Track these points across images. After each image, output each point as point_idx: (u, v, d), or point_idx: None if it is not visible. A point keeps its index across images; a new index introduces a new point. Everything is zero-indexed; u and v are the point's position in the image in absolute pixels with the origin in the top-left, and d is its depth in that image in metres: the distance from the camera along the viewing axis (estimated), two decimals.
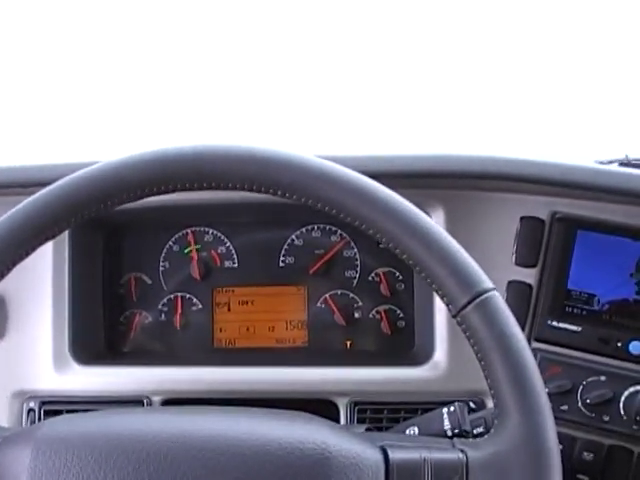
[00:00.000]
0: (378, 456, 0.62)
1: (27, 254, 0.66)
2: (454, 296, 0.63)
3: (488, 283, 0.63)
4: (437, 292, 0.65)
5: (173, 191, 0.67)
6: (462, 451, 0.62)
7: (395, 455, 0.62)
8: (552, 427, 0.60)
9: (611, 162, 1.00)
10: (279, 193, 0.66)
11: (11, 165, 1.01)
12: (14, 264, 0.66)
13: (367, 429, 0.84)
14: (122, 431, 0.63)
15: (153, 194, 0.66)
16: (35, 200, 0.66)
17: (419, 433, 0.77)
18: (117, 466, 0.60)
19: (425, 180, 0.96)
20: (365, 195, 0.65)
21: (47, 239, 0.67)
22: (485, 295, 0.63)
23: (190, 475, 0.60)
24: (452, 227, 0.96)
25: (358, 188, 0.65)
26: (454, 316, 0.64)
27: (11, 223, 0.65)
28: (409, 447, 0.63)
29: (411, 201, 0.66)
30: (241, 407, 0.69)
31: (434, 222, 0.65)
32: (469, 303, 0.62)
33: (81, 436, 0.63)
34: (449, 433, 0.76)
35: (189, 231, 1.12)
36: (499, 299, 0.63)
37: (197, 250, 1.12)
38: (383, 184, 0.66)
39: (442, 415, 0.77)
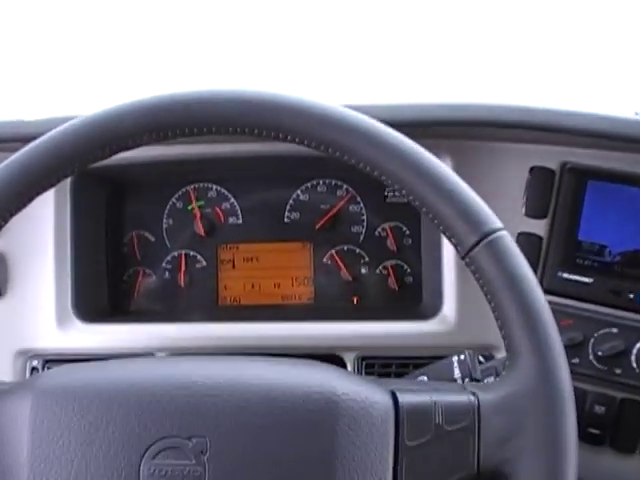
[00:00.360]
0: (388, 400, 0.61)
1: (25, 203, 0.65)
2: (462, 237, 0.61)
3: (497, 223, 0.62)
4: (445, 233, 0.63)
5: (175, 136, 0.65)
6: (473, 394, 0.61)
7: (405, 399, 0.61)
8: (565, 367, 0.59)
9: None
10: (280, 136, 0.64)
11: (13, 119, 0.99)
12: (11, 215, 0.64)
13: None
14: (124, 378, 0.62)
15: (152, 140, 0.65)
16: (32, 148, 0.64)
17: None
18: (120, 412, 0.59)
19: (434, 129, 0.94)
20: (370, 136, 0.63)
21: (45, 188, 0.65)
22: (494, 235, 0.61)
23: (196, 421, 0.59)
24: (461, 178, 0.94)
25: (363, 129, 0.63)
26: (463, 257, 0.62)
27: (9, 171, 0.63)
28: (419, 391, 0.62)
29: None
30: (248, 356, 0.68)
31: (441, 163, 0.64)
32: (478, 243, 0.61)
33: (82, 384, 0.62)
34: (459, 382, 0.74)
35: (192, 187, 1.11)
36: (509, 238, 0.61)
37: (200, 207, 1.11)
38: None
39: (452, 364, 0.75)
